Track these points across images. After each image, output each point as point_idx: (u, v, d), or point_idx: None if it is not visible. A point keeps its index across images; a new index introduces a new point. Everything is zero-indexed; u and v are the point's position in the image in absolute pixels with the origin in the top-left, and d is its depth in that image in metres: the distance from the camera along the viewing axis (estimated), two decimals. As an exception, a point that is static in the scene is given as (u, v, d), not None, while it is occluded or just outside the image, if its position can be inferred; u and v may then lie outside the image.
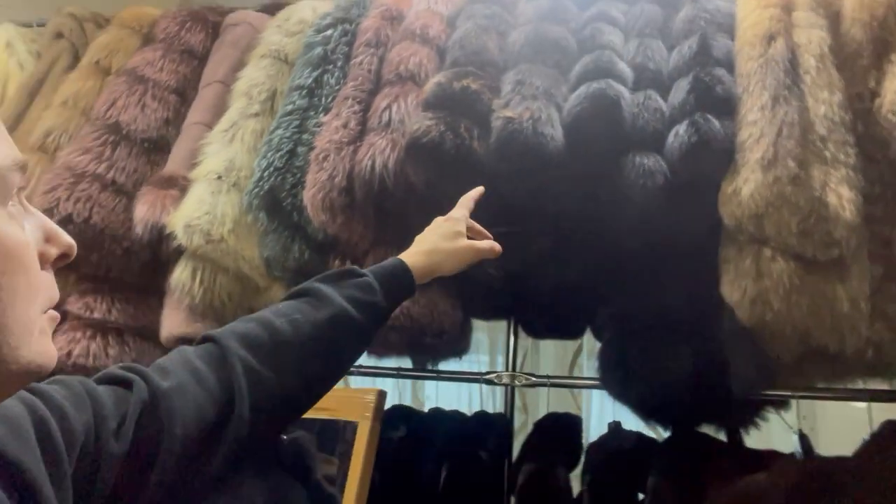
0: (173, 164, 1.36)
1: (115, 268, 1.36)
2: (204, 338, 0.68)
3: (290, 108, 1.32)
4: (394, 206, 1.19)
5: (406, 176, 1.14)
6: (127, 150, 1.39)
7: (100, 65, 1.56)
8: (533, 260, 1.19)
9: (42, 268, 0.46)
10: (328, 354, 0.72)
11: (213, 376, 0.63)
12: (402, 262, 0.83)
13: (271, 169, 1.25)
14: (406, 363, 1.46)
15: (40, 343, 0.45)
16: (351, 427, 1.03)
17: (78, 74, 1.54)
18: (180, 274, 1.28)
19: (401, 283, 0.82)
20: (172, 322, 1.35)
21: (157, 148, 1.45)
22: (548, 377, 1.33)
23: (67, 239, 0.49)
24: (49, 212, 1.27)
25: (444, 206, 0.94)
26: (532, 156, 1.04)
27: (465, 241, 0.90)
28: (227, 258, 1.27)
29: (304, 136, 1.28)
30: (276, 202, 1.24)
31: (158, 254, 1.35)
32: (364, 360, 1.52)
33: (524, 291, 1.29)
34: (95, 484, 0.53)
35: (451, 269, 0.89)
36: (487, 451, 1.18)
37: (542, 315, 1.36)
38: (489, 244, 0.92)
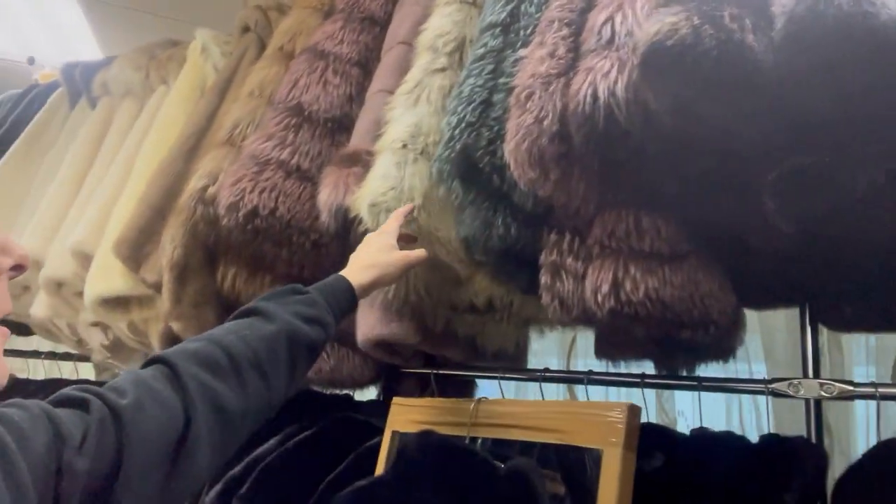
0: (356, 139, 1.19)
1: (306, 264, 1.23)
2: (152, 359, 0.68)
3: (481, 51, 1.07)
4: (626, 152, 0.88)
5: (643, 103, 0.81)
6: (310, 132, 1.26)
7: (283, 50, 1.47)
8: (847, 205, 0.79)
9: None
10: (281, 367, 0.73)
11: (169, 395, 0.64)
12: (343, 279, 0.89)
13: (463, 125, 1.00)
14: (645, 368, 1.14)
15: None
16: (592, 457, 0.73)
17: (263, 63, 1.46)
18: None
19: (344, 297, 0.87)
20: (367, 324, 1.17)
21: (341, 127, 1.30)
22: (874, 385, 0.91)
23: (21, 250, 0.51)
24: (235, 205, 1.16)
25: (701, 145, 0.72)
26: (863, 35, 0.66)
27: (399, 253, 0.96)
28: (420, 241, 1.05)
29: (501, 81, 1.02)
30: (471, 165, 0.99)
31: (347, 245, 1.19)
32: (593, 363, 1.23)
33: (830, 258, 0.89)
34: (59, 502, 0.53)
35: (391, 281, 0.97)
36: (792, 493, 0.81)
37: (860, 295, 0.94)
38: (420, 252, 0.99)
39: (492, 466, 0.80)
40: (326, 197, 1.11)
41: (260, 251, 1.24)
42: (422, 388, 1.40)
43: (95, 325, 1.59)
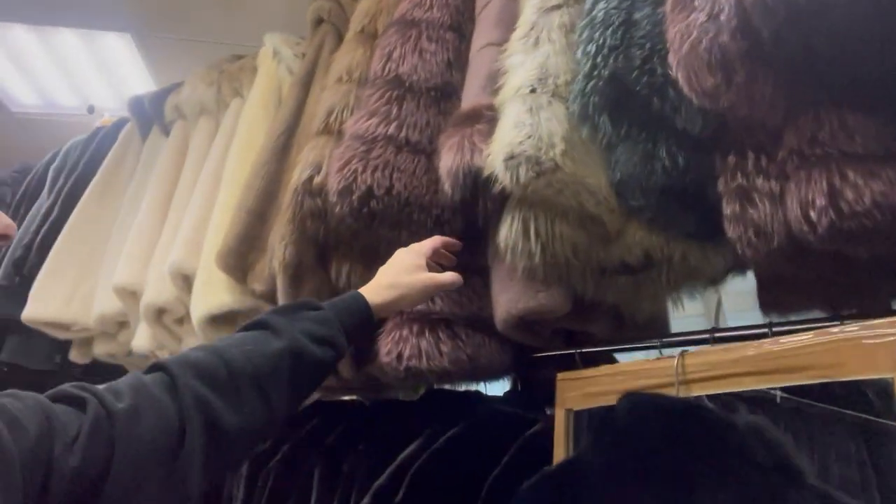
0: (470, 98, 1.09)
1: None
2: (154, 366, 0.67)
3: (606, -27, 0.96)
4: (825, 38, 0.74)
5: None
6: (414, 103, 1.16)
7: (365, 32, 1.39)
8: None
9: None
10: (283, 386, 0.71)
11: (166, 404, 0.63)
12: (360, 297, 0.85)
13: (605, 51, 0.89)
14: None
15: None
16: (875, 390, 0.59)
17: (346, 48, 1.38)
18: (509, 230, 0.98)
19: (360, 318, 0.83)
20: (509, 298, 1.05)
21: (444, 95, 1.20)
22: None
23: (5, 219, 0.53)
24: (348, 189, 1.07)
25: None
26: None
27: (425, 275, 0.92)
28: (565, 193, 0.93)
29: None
30: (623, 92, 0.88)
31: (474, 215, 1.08)
32: None
33: None
34: (47, 496, 0.52)
35: (412, 303, 0.93)
36: None
37: None
38: (451, 276, 0.94)
39: (730, 424, 0.66)
40: (451, 161, 1.01)
41: (375, 238, 1.14)
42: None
43: (200, 351, 1.51)
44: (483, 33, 1.17)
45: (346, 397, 1.54)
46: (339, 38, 1.50)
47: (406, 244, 1.13)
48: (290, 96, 1.45)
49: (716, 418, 0.67)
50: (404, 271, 0.91)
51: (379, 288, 0.88)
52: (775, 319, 1.05)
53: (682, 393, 0.78)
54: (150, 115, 1.93)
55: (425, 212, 1.08)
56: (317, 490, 1.18)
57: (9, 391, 0.58)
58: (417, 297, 0.91)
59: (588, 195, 0.94)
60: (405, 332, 1.09)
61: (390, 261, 0.93)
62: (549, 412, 1.27)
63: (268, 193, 1.33)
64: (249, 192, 1.33)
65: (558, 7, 1.03)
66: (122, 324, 1.67)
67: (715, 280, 1.14)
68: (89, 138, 2.31)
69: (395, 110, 1.13)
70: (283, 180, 1.36)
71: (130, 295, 1.55)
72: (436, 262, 0.99)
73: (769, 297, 1.09)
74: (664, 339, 1.04)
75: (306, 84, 1.44)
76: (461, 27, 1.27)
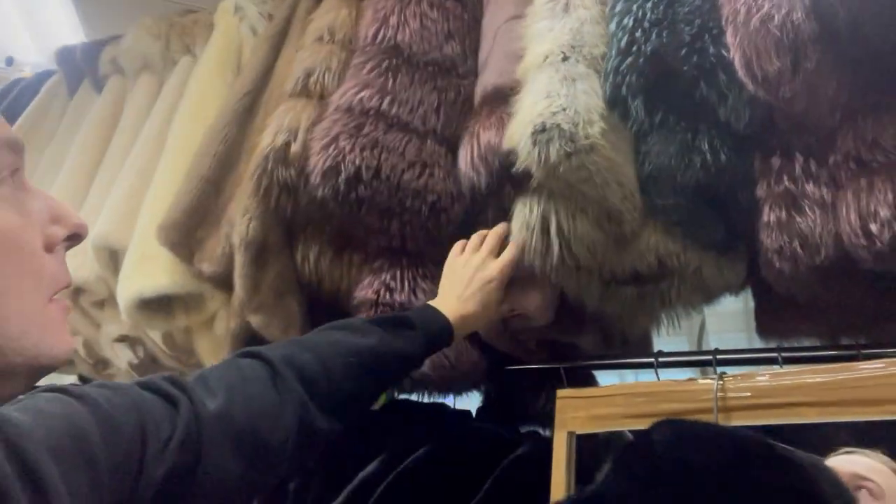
0: (491, 76, 0.99)
1: (419, 236, 1.02)
2: (253, 354, 0.70)
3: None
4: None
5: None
6: (409, 76, 1.06)
7: (350, -10, 1.27)
8: None
9: (49, 251, 0.47)
10: (366, 396, 0.80)
11: (268, 403, 0.65)
12: (440, 314, 0.86)
13: (646, 24, 0.82)
14: None
15: (49, 333, 0.45)
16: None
17: (326, 6, 1.26)
18: (525, 224, 0.89)
19: (441, 340, 0.85)
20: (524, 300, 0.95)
21: (441, 71, 1.10)
22: None
23: (76, 219, 0.49)
24: (334, 169, 0.95)
25: None
26: None
27: (499, 306, 0.93)
28: (594, 180, 0.84)
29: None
30: (665, 73, 0.81)
31: (485, 203, 0.98)
32: None
33: None
34: (134, 498, 0.53)
35: (486, 326, 0.97)
36: None
37: None
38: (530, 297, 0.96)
39: (798, 465, 0.58)
40: (485, 142, 0.90)
41: (360, 225, 1.02)
42: (535, 387, 1.19)
43: (122, 339, 1.34)
44: (507, 4, 1.07)
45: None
46: (317, -1, 1.38)
47: (394, 234, 1.02)
48: (256, 55, 1.31)
49: (782, 457, 0.59)
50: (487, 307, 0.91)
51: (464, 320, 0.88)
52: (771, 345, 1.01)
53: (721, 422, 0.71)
54: (82, 67, 1.73)
55: (419, 198, 0.98)
56: (260, 510, 1.04)
57: (105, 382, 0.60)
58: (495, 318, 0.95)
59: (617, 186, 0.86)
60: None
61: (470, 284, 0.91)
62: (525, 430, 1.19)
63: (225, 161, 1.19)
64: (204, 158, 1.18)
65: (589, -27, 0.95)
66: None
67: (713, 298, 1.09)
68: (5, 90, 2.07)
69: (389, 83, 1.02)
70: (244, 147, 1.22)
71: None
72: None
73: (769, 321, 1.04)
74: (661, 359, 0.97)
75: (276, 44, 1.31)
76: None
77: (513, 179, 0.88)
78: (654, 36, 0.80)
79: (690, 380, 0.80)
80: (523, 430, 1.20)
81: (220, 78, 1.40)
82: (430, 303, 0.89)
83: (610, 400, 0.84)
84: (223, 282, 1.13)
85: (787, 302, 1.00)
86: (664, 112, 0.82)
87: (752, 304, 1.06)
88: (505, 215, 0.95)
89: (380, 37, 1.08)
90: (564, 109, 0.80)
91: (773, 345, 1.00)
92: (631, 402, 0.81)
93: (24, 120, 1.78)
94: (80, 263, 1.29)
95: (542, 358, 1.12)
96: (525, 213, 0.88)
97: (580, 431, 0.85)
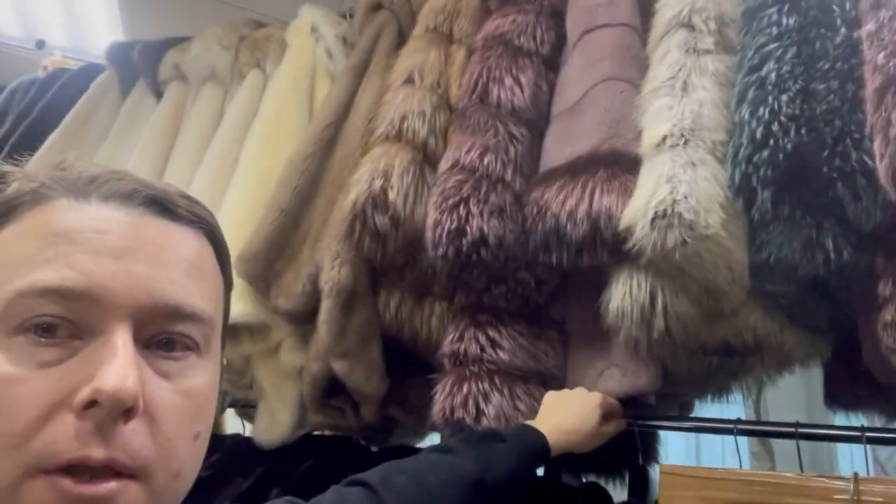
0: (590, 139, 0.99)
1: (518, 302, 1.03)
2: (358, 482, 0.74)
3: (771, 30, 0.90)
4: None
5: None
6: (526, 145, 1.07)
7: (438, 31, 1.28)
8: None
9: (77, 414, 0.38)
10: None
11: None
12: (542, 439, 0.88)
13: (782, 119, 0.83)
14: None
15: None
16: None
17: (414, 45, 1.26)
18: (627, 296, 0.90)
19: (536, 460, 0.89)
20: (607, 375, 0.97)
21: (541, 136, 1.10)
22: None
23: (104, 382, 0.38)
24: (460, 231, 0.96)
25: None
26: None
27: (601, 426, 0.93)
28: (705, 265, 0.85)
29: (819, 66, 0.85)
30: (802, 170, 0.81)
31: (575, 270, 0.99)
32: None
33: None
34: None
35: (582, 450, 0.94)
36: None
37: None
38: (618, 423, 0.97)
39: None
40: (604, 206, 0.90)
41: (460, 281, 1.02)
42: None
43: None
44: (595, 65, 1.08)
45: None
46: (399, 29, 1.38)
47: (498, 296, 1.02)
48: (338, 86, 1.31)
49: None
50: (586, 421, 0.92)
51: (559, 433, 0.90)
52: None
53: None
54: (139, 68, 1.72)
55: (529, 270, 0.99)
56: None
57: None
58: (591, 446, 0.94)
59: (727, 271, 0.87)
60: (483, 385, 0.98)
61: (568, 401, 0.94)
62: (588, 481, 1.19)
63: (305, 194, 1.19)
64: (285, 190, 1.18)
65: (708, 52, 0.97)
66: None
67: (788, 371, 1.11)
68: (47, 81, 2.05)
69: (512, 151, 1.03)
70: (324, 181, 1.22)
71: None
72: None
73: (839, 394, 1.07)
74: (742, 427, 0.98)
75: (358, 75, 1.31)
76: (553, 62, 1.17)
77: (613, 249, 0.89)
78: (793, 132, 0.81)
79: (820, 476, 0.81)
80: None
81: (294, 99, 1.39)
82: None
83: (724, 484, 0.85)
84: (299, 319, 1.13)
85: (864, 378, 1.02)
86: (791, 206, 0.83)
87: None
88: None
89: (495, 97, 1.08)
90: (686, 197, 0.82)
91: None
92: (748, 489, 0.82)
93: (73, 117, 1.76)
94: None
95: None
96: (632, 286, 0.89)
97: (690, 513, 0.86)
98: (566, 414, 0.91)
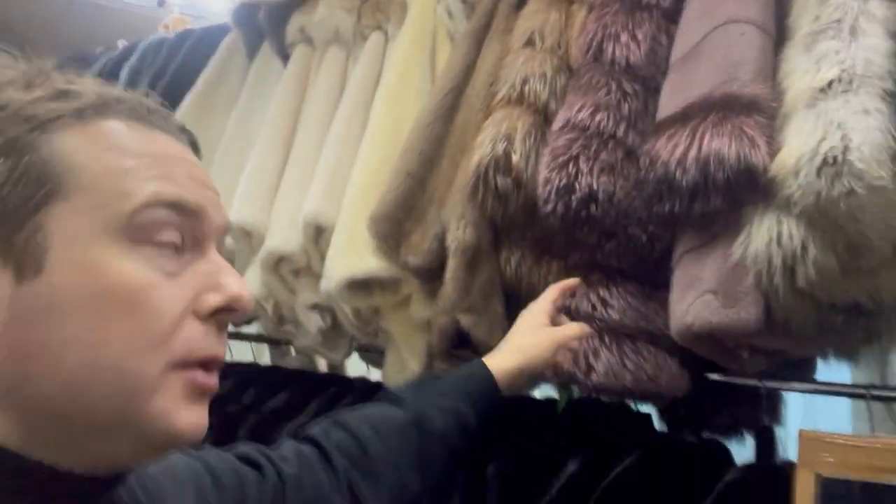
0: (709, 80, 0.97)
1: (630, 259, 1.07)
2: (305, 438, 0.81)
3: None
4: None
5: None
6: (641, 102, 1.09)
7: (558, -8, 1.29)
8: None
9: (199, 318, 0.46)
10: (412, 461, 0.82)
11: (324, 480, 0.75)
12: (483, 366, 0.93)
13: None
14: None
15: (158, 401, 0.44)
16: None
17: (534, 7, 1.29)
18: (774, 244, 0.90)
19: (485, 388, 0.91)
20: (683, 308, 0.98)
21: (657, 94, 1.12)
22: None
23: (234, 291, 0.48)
24: (569, 188, 1.01)
25: None
26: None
27: (546, 331, 0.99)
28: (864, 220, 0.84)
29: None
30: None
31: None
32: None
33: None
34: None
35: (543, 364, 0.98)
36: None
37: None
38: (577, 328, 1.02)
39: None
40: (714, 149, 0.90)
41: (571, 239, 1.08)
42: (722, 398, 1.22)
43: (315, 307, 1.47)
44: (715, 9, 1.06)
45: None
46: (520, -9, 1.40)
47: (610, 254, 1.07)
48: (458, 50, 1.36)
49: None
50: (528, 332, 0.98)
51: (503, 354, 0.95)
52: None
53: None
54: (266, 30, 1.81)
55: (641, 226, 1.03)
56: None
57: (207, 449, 0.67)
58: (544, 356, 0.97)
59: (883, 227, 0.87)
60: (594, 341, 1.05)
61: (513, 327, 1.01)
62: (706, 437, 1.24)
63: (430, 157, 1.26)
64: (411, 154, 1.26)
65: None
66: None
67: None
68: (177, 42, 2.19)
69: (625, 108, 1.06)
70: (447, 144, 1.29)
71: (245, 235, 1.49)
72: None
73: None
74: (876, 392, 1.00)
75: (479, 39, 1.35)
76: (677, 13, 1.17)
77: (727, 194, 0.90)
78: None
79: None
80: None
81: (416, 62, 1.45)
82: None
83: (873, 452, 0.85)
84: (427, 275, 1.23)
85: None
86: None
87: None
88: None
89: (611, 55, 1.10)
90: (860, 146, 0.81)
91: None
92: (877, 456, 0.83)
93: (206, 80, 1.89)
94: (289, 235, 1.41)
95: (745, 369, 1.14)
96: (780, 232, 0.88)
97: (828, 475, 0.87)
98: (509, 337, 0.99)
